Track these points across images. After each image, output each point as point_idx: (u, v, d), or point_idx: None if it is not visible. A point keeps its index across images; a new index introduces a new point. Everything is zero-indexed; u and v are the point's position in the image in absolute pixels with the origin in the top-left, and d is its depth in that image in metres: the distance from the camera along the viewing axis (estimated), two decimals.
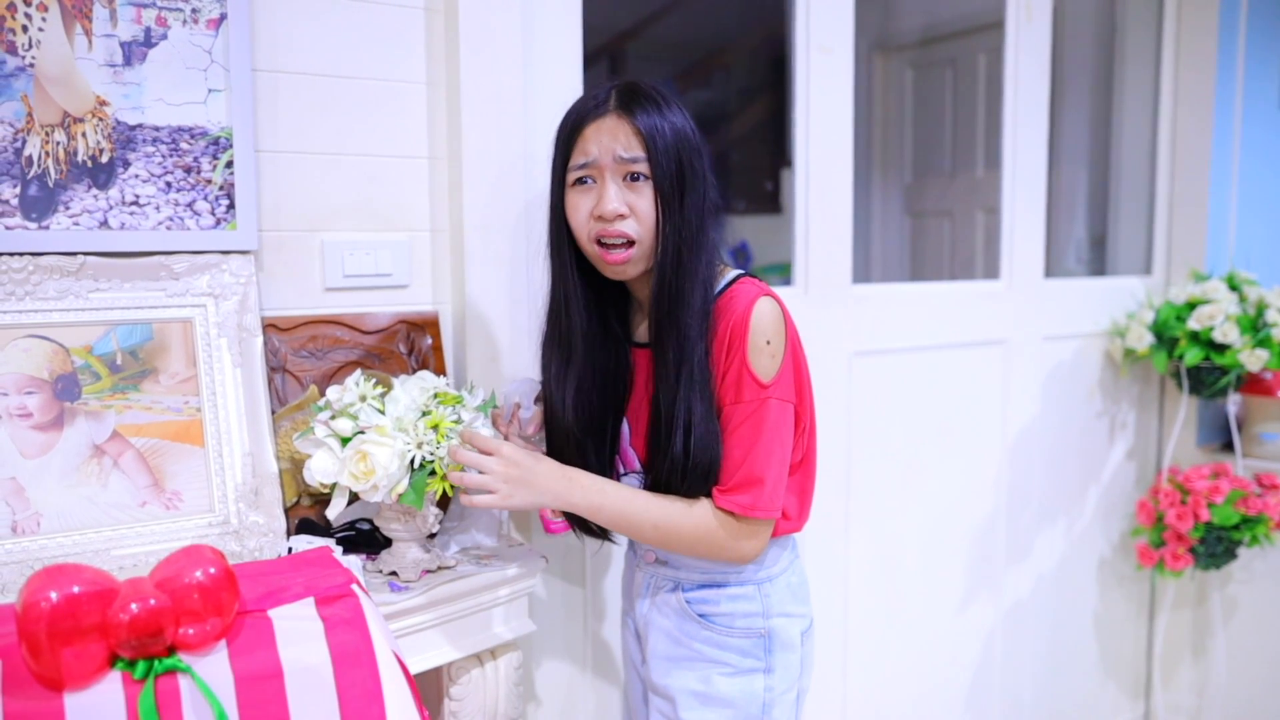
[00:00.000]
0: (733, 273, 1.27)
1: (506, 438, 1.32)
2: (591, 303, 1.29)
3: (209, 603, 0.93)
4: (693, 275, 1.20)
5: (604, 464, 1.33)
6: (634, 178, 1.20)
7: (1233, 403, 2.50)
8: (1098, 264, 2.82)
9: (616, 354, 1.31)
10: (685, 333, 1.20)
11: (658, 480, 1.25)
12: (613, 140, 1.19)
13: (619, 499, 1.24)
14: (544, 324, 1.32)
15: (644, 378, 1.30)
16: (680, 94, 3.50)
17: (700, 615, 1.32)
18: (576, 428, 1.30)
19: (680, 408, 1.20)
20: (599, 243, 1.22)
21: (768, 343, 1.21)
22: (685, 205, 1.20)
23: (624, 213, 1.20)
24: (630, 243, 1.21)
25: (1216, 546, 2.32)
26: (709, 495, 1.24)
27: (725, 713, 1.30)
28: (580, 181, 1.23)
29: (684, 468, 1.22)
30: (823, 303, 1.99)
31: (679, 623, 1.34)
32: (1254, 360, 2.27)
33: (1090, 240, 2.85)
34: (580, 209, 1.22)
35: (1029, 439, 2.38)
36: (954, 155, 3.18)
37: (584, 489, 1.23)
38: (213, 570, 0.93)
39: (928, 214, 3.30)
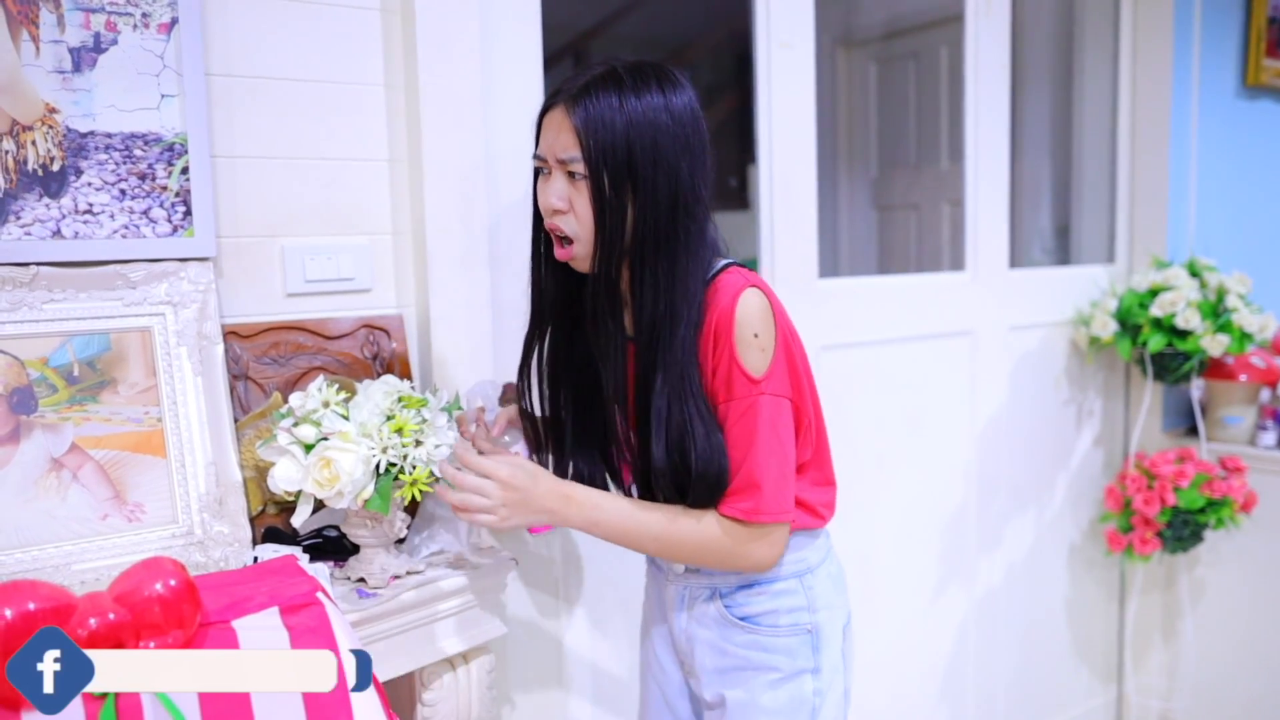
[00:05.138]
0: (721, 262, 1.23)
1: (474, 443, 1.32)
2: (563, 278, 1.27)
3: (170, 615, 0.92)
4: (660, 274, 1.17)
5: (593, 459, 1.31)
6: (572, 175, 1.17)
7: (1196, 388, 2.53)
8: (1062, 253, 2.85)
9: (611, 344, 1.24)
10: (656, 333, 1.17)
11: (642, 486, 1.23)
12: (555, 138, 1.17)
13: (617, 514, 1.21)
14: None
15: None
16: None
17: (742, 619, 1.28)
18: (555, 411, 1.29)
19: (657, 414, 1.17)
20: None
21: (755, 336, 1.16)
22: (639, 202, 1.15)
23: (561, 208, 1.18)
24: (570, 239, 1.19)
25: (1183, 530, 2.35)
26: (715, 506, 1.20)
27: None
28: (540, 171, 1.22)
29: (676, 478, 1.18)
30: (789, 297, 1.98)
31: (721, 631, 1.29)
32: (1215, 345, 2.30)
33: (1054, 230, 2.88)
34: (539, 198, 1.22)
35: (997, 429, 2.40)
36: (919, 148, 3.20)
37: (580, 505, 1.21)
38: (173, 582, 0.92)
39: (894, 207, 3.32)
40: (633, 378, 1.23)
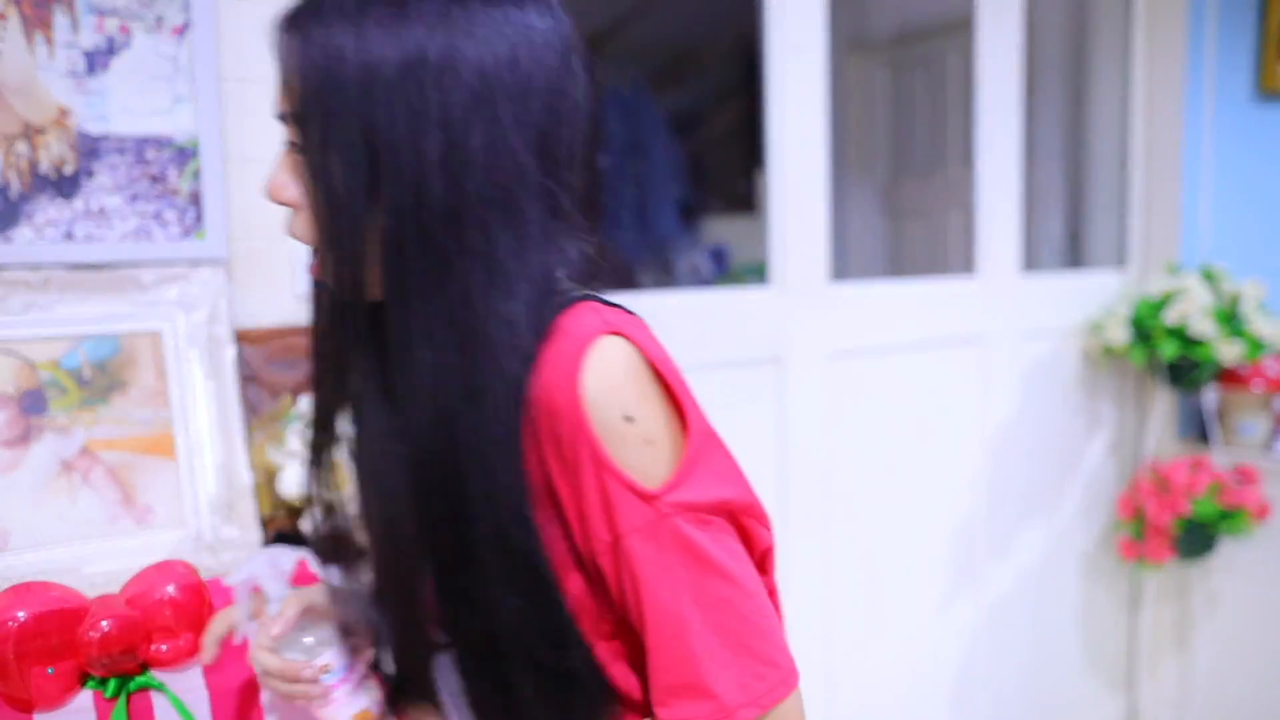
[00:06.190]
0: (562, 298, 0.71)
1: (252, 657, 0.84)
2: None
3: (181, 618, 0.91)
4: (429, 306, 0.67)
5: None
6: (292, 148, 0.71)
7: (1210, 396, 2.52)
8: (1073, 258, 2.83)
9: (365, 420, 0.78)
10: (429, 417, 0.68)
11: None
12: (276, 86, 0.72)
13: None
14: None
15: None
16: (654, 96, 3.50)
17: None
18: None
19: (446, 562, 0.71)
20: None
21: (628, 420, 0.66)
22: (387, 186, 0.66)
23: (288, 199, 0.72)
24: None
25: (1197, 539, 2.34)
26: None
27: None
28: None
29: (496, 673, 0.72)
30: (799, 302, 1.98)
31: None
32: (1229, 353, 2.29)
33: (1065, 235, 2.87)
34: None
35: (1008, 436, 2.38)
36: (929, 154, 3.19)
37: None
38: (184, 585, 0.92)
39: (905, 213, 3.31)
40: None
